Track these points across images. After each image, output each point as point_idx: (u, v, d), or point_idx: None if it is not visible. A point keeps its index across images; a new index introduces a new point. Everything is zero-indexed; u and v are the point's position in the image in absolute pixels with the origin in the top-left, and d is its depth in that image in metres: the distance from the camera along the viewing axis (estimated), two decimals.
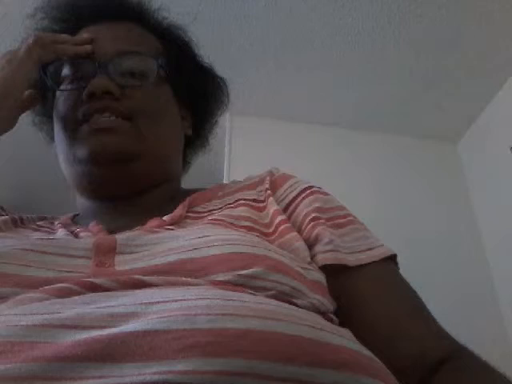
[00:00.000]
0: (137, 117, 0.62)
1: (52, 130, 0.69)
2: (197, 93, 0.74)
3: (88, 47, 0.65)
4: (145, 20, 0.72)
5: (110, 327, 0.33)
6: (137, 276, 0.41)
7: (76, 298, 0.38)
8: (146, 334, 0.32)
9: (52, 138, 0.70)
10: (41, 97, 0.68)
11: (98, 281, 0.40)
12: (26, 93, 0.66)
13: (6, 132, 0.63)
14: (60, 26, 0.70)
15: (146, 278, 0.41)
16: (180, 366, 0.30)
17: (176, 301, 0.35)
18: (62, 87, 0.65)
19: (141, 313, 0.34)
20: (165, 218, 0.57)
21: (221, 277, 0.42)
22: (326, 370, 0.33)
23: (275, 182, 0.64)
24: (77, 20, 0.70)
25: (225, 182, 1.85)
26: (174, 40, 0.73)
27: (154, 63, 0.65)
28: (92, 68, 0.63)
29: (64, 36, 0.66)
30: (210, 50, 0.76)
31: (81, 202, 0.67)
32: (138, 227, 0.54)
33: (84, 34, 0.67)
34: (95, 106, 0.60)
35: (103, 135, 0.60)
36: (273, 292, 0.43)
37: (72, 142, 0.62)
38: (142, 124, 0.62)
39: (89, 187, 0.64)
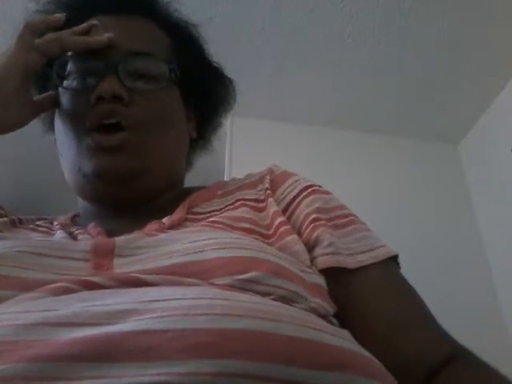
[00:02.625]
0: (144, 126, 0.60)
1: (51, 120, 0.67)
2: (205, 94, 0.73)
3: (99, 39, 0.61)
4: (157, 15, 0.69)
5: (106, 325, 0.32)
6: (135, 274, 0.41)
7: (73, 295, 0.37)
8: (144, 333, 0.31)
9: (49, 127, 0.69)
10: (43, 88, 0.66)
11: (95, 279, 0.40)
12: (45, 94, 0.64)
13: (9, 127, 0.60)
14: (66, 12, 0.65)
15: (145, 277, 0.40)
16: (180, 367, 0.29)
17: (175, 299, 0.35)
18: (67, 83, 0.62)
19: (139, 311, 0.34)
20: (164, 220, 0.56)
21: (219, 281, 0.42)
22: (326, 371, 0.32)
23: (275, 180, 0.64)
24: (85, 8, 0.67)
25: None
26: (186, 38, 0.71)
27: (166, 67, 0.63)
28: (102, 66, 0.60)
29: (57, 15, 0.63)
30: (210, 52, 0.76)
31: (81, 203, 0.66)
32: (137, 230, 0.54)
33: (92, 22, 0.63)
34: (103, 109, 0.58)
35: (110, 155, 0.57)
36: (272, 297, 0.42)
37: (77, 155, 0.59)
38: (150, 135, 0.60)
39: (91, 198, 0.63)
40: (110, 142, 0.58)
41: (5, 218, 0.59)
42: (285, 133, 2.18)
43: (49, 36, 0.60)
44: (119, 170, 0.58)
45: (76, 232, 0.57)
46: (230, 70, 0.77)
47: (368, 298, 0.52)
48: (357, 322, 0.50)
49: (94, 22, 0.63)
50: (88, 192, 0.62)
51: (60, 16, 0.63)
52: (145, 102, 0.60)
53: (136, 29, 0.65)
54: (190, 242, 0.47)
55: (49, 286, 0.39)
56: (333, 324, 0.47)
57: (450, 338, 0.51)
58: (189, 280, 0.41)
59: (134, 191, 0.60)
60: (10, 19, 1.71)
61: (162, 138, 0.61)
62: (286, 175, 0.65)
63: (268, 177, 0.64)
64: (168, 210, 0.59)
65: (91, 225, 0.58)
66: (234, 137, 2.12)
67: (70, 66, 0.63)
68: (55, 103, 0.64)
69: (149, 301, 0.35)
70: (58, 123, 0.64)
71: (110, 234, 0.54)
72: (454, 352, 0.48)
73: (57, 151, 0.65)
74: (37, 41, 0.60)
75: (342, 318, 0.50)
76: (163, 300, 0.35)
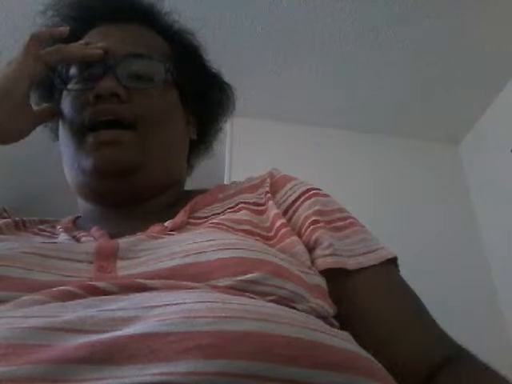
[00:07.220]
0: (142, 123, 0.61)
1: (57, 128, 0.69)
2: (203, 98, 0.74)
3: (94, 51, 0.64)
4: (155, 22, 0.72)
5: (111, 331, 0.33)
6: (138, 280, 0.42)
7: (77, 301, 0.38)
8: (146, 336, 0.32)
9: (57, 136, 0.70)
10: (49, 99, 0.68)
11: (99, 284, 0.40)
12: (44, 106, 0.66)
13: (10, 138, 0.62)
14: (71, 24, 0.70)
15: (147, 282, 0.41)
16: (181, 367, 0.30)
17: (176, 304, 0.36)
18: (69, 87, 0.65)
19: (141, 316, 0.34)
20: (166, 223, 0.57)
21: (221, 282, 0.42)
22: (326, 371, 0.33)
23: (275, 184, 0.64)
24: (87, 19, 0.70)
25: (225, 183, 1.85)
26: (183, 44, 0.73)
27: (162, 67, 0.65)
28: (100, 69, 0.62)
29: (62, 28, 0.66)
30: (210, 51, 0.76)
31: (82, 205, 0.67)
32: (140, 233, 0.54)
33: (87, 40, 0.66)
34: (101, 108, 0.60)
35: (108, 148, 0.59)
36: (273, 297, 0.43)
37: (77, 151, 0.61)
38: (147, 132, 0.62)
39: (91, 196, 0.64)
40: (108, 136, 0.60)
41: (8, 220, 0.60)
42: (285, 132, 2.18)
43: (51, 48, 0.63)
44: (117, 163, 0.60)
45: (79, 235, 0.57)
46: (229, 70, 0.78)
47: (367, 299, 0.52)
48: (356, 323, 0.50)
49: (88, 40, 0.66)
50: (88, 189, 0.63)
51: (64, 29, 0.66)
52: (142, 100, 0.62)
53: (133, 34, 0.68)
54: (192, 244, 0.48)
55: (53, 290, 0.39)
56: (333, 325, 0.47)
57: (450, 339, 0.51)
58: (190, 284, 0.42)
59: (132, 187, 0.62)
60: (11, 22, 1.71)
61: (159, 135, 0.63)
62: (286, 179, 0.65)
63: (268, 180, 0.65)
64: (168, 212, 0.60)
65: (94, 228, 0.58)
66: (234, 136, 2.12)
67: (71, 72, 0.65)
68: (54, 114, 0.67)
69: (151, 306, 0.36)
70: (61, 126, 0.66)
71: (113, 236, 0.55)
72: (454, 353, 0.49)
73: (61, 155, 0.67)
74: (41, 51, 0.62)
75: (342, 319, 0.50)
76: (165, 305, 0.36)
